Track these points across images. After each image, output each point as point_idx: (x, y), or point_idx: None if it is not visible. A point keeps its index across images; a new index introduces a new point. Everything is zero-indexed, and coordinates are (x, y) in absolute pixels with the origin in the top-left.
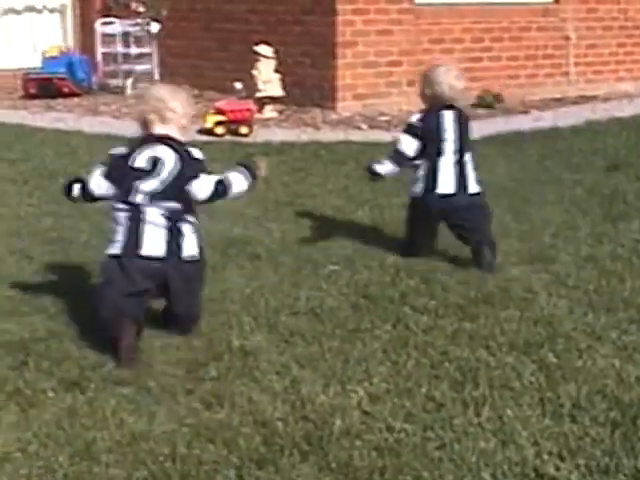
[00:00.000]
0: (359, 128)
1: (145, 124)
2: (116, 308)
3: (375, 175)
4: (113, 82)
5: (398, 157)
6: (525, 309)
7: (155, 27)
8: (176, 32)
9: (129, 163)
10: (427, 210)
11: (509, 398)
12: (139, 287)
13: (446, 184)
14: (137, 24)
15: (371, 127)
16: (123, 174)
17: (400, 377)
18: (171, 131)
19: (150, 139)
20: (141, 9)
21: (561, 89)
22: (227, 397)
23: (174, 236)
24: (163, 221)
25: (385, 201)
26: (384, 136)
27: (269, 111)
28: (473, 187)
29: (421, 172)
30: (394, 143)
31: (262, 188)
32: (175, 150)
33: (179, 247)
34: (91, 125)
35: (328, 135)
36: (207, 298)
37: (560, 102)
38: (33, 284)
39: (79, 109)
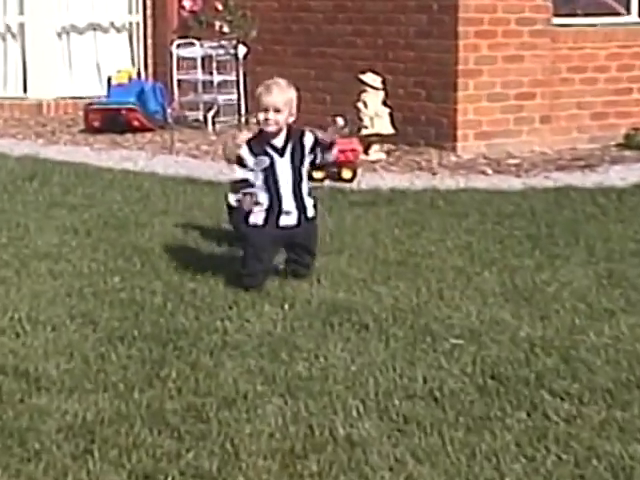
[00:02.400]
0: (483, 173)
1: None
2: None
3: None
4: (191, 115)
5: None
6: None
7: (242, 51)
8: (267, 57)
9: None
10: None
11: None
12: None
13: None
14: (221, 47)
15: (497, 172)
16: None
17: (538, 476)
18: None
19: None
20: (226, 29)
21: None
22: None
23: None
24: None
25: (516, 261)
26: (513, 183)
27: (376, 152)
28: None
29: None
30: None
31: (369, 245)
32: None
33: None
34: (165, 166)
35: (446, 181)
36: (306, 376)
37: None
38: (98, 355)
39: (151, 146)
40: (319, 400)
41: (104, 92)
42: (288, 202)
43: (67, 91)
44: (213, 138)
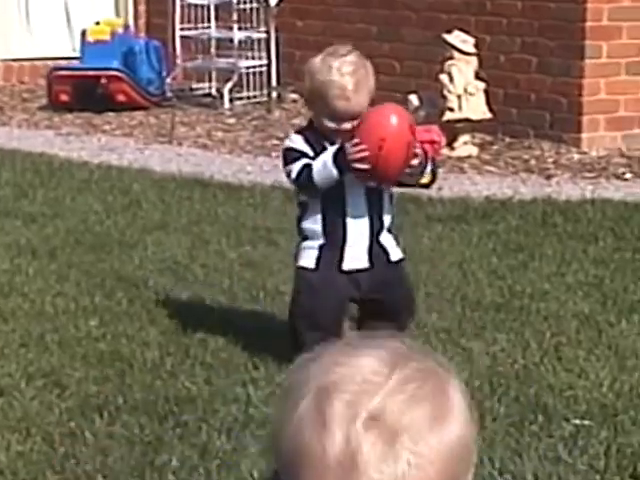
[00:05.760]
0: (620, 177)
1: None
2: None
3: None
4: (200, 87)
5: None
6: None
7: None
8: (309, 6)
9: None
10: None
11: None
12: None
13: None
14: None
15: None
16: None
17: None
18: None
19: None
20: None
21: None
22: None
23: None
24: None
25: None
26: None
27: (465, 144)
28: None
29: None
30: None
31: (455, 279)
32: None
33: None
34: (163, 160)
35: (566, 189)
36: None
37: None
38: (66, 433)
39: (143, 132)
40: None
41: (76, 52)
42: (355, 235)
43: (23, 50)
44: (231, 121)
